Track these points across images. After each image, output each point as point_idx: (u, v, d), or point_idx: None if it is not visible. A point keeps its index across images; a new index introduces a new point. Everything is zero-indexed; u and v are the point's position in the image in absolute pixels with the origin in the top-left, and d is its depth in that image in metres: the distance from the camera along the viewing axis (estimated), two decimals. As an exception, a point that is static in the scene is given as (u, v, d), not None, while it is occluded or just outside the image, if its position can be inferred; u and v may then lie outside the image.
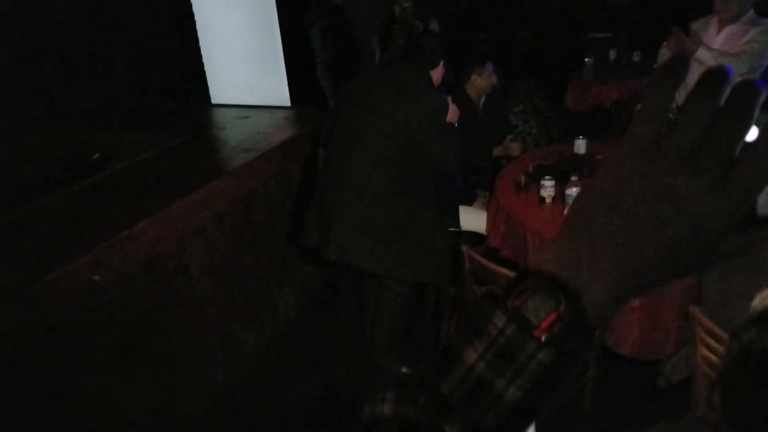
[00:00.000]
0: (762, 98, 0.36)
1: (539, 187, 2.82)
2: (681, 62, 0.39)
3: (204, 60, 4.87)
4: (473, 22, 6.98)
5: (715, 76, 0.37)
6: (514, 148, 3.62)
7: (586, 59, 4.77)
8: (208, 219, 2.77)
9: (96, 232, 2.26)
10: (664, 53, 3.55)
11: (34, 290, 1.90)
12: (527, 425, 0.42)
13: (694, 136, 0.36)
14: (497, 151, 3.65)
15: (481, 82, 3.65)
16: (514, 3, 7.30)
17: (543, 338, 0.38)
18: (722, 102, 0.36)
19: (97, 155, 3.41)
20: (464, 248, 2.45)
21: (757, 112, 0.36)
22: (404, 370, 3.02)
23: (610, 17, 5.71)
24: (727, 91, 0.37)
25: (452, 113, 2.76)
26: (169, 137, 3.38)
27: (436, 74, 2.74)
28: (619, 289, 0.39)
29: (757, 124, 0.37)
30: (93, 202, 2.69)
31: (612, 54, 5.11)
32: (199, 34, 4.81)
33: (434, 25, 4.10)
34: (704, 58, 3.18)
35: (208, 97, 4.85)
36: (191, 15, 4.76)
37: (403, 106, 2.55)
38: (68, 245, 2.17)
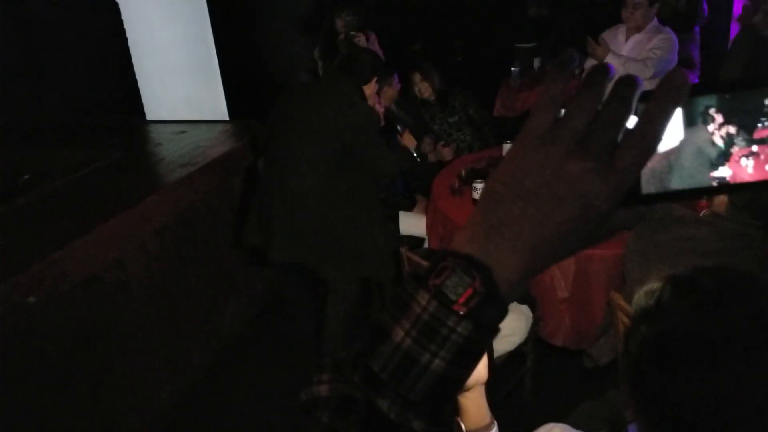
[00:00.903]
0: (639, 91, 0.42)
1: (472, 189, 2.94)
2: (569, 55, 0.45)
3: (137, 75, 4.80)
4: (409, 32, 7.15)
5: (600, 73, 0.42)
6: (447, 152, 3.75)
7: (513, 68, 4.98)
8: (147, 234, 2.75)
9: (28, 253, 2.22)
10: (590, 64, 3.78)
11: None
12: (453, 394, 0.46)
13: (582, 123, 0.41)
14: (431, 157, 3.77)
15: (392, 92, 3.68)
16: (448, 16, 7.53)
17: (462, 312, 0.42)
18: (606, 94, 0.42)
19: (26, 176, 3.32)
20: (403, 250, 2.53)
21: (635, 102, 0.42)
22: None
23: (534, 28, 5.99)
24: (610, 85, 0.43)
25: (409, 141, 3.02)
26: (102, 154, 3.33)
27: (369, 89, 2.81)
28: (526, 263, 0.43)
29: (636, 113, 0.42)
30: (25, 222, 2.63)
31: (536, 62, 5.34)
32: (131, 49, 4.74)
33: (373, 38, 4.20)
34: (613, 64, 3.41)
35: (143, 113, 4.78)
36: (122, 30, 4.69)
37: (337, 114, 2.64)
38: (1, 266, 2.12)
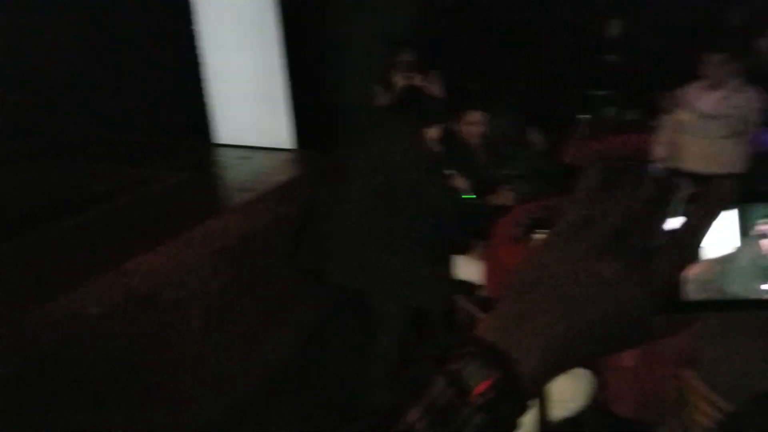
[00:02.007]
0: (684, 193, 0.41)
1: (536, 239, 2.84)
2: (611, 154, 0.45)
3: (210, 100, 4.96)
4: (467, 72, 7.13)
5: (637, 173, 0.43)
6: (508, 197, 3.64)
7: (581, 116, 4.87)
8: (206, 256, 2.78)
9: (93, 265, 2.27)
10: (665, 119, 3.65)
11: (30, 320, 1.90)
12: None
13: (620, 221, 0.41)
14: (492, 200, 3.65)
15: (474, 121, 3.64)
16: (510, 55, 7.46)
17: (477, 403, 0.41)
18: (644, 195, 0.42)
19: (100, 189, 3.44)
20: (458, 298, 2.46)
21: (676, 205, 0.41)
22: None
23: (605, 75, 5.85)
24: (649, 186, 0.42)
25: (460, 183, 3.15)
26: (169, 174, 3.41)
27: (431, 133, 2.90)
28: (551, 360, 0.41)
29: (678, 214, 0.41)
30: (92, 235, 2.70)
31: (609, 110, 5.21)
32: (207, 75, 4.91)
33: (434, 77, 4.19)
34: (686, 120, 3.28)
35: (213, 137, 4.92)
36: (196, 55, 4.87)
37: (398, 154, 2.77)
38: (65, 277, 2.17)
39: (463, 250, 3.45)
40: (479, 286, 3.25)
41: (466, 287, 3.34)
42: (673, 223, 0.40)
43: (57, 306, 1.99)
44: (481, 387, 0.41)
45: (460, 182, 3.11)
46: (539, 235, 2.85)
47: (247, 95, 4.84)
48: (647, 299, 0.40)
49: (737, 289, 0.42)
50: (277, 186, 3.35)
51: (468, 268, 3.36)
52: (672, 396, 2.22)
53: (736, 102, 3.31)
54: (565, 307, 0.41)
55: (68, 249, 2.51)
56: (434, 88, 4.49)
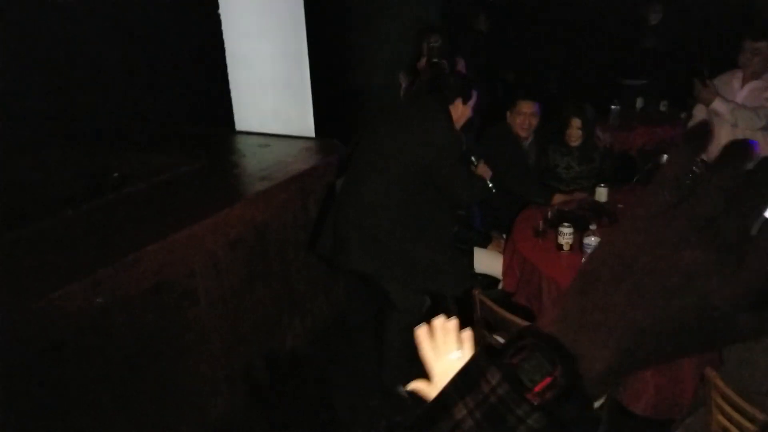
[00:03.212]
0: None
1: (557, 233, 2.75)
2: (704, 128, 0.38)
3: (231, 87, 4.93)
4: (502, 63, 6.99)
5: (740, 147, 0.36)
6: (577, 196, 3.47)
7: (613, 106, 4.73)
8: (220, 245, 2.74)
9: (103, 254, 2.24)
10: (698, 109, 3.52)
11: (36, 308, 1.88)
12: None
13: (709, 207, 0.36)
14: (558, 198, 3.47)
15: (527, 107, 3.51)
16: (545, 44, 7.30)
17: (535, 402, 0.36)
18: (743, 175, 0.36)
19: (116, 174, 3.43)
20: (476, 292, 2.38)
21: None
22: (401, 390, 3.01)
23: (641, 64, 5.67)
24: (749, 164, 0.36)
25: (484, 171, 2.97)
26: (187, 161, 3.39)
27: (456, 112, 2.82)
28: (620, 358, 0.37)
29: None
30: (107, 221, 2.68)
31: (639, 102, 5.06)
32: (228, 61, 4.87)
33: (461, 65, 4.10)
34: (720, 110, 3.18)
35: (233, 124, 4.89)
36: (221, 42, 4.83)
37: (419, 136, 2.70)
38: (74, 265, 2.15)
39: (485, 242, 3.37)
40: (499, 280, 3.18)
41: (486, 281, 3.27)
42: None
43: (62, 295, 1.97)
44: (541, 385, 0.37)
45: (483, 170, 2.98)
46: (564, 229, 2.75)
47: (270, 82, 4.79)
48: (739, 294, 0.35)
49: None
50: (297, 174, 3.30)
51: (487, 261, 3.28)
52: (693, 396, 2.13)
53: None
54: (643, 298, 0.36)
55: (79, 236, 2.49)
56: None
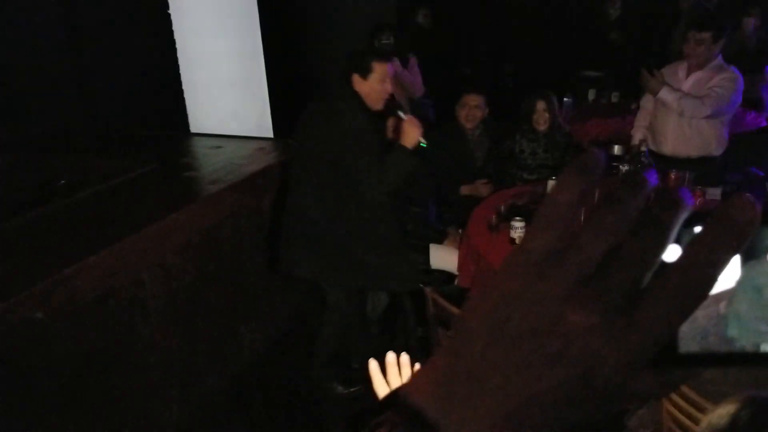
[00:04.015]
0: (684, 213, 0.29)
1: (510, 227, 2.76)
2: (595, 160, 0.32)
3: (185, 87, 4.83)
4: (459, 57, 7.01)
5: (633, 184, 0.30)
6: (485, 189, 3.58)
7: (566, 98, 4.78)
8: (169, 252, 2.69)
9: (45, 265, 2.17)
10: (646, 99, 3.59)
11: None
12: None
13: (597, 254, 0.30)
14: (465, 190, 3.60)
15: (472, 100, 3.60)
16: (500, 38, 7.35)
17: None
18: (636, 214, 0.30)
19: (63, 181, 3.33)
20: (427, 290, 2.37)
21: (675, 232, 0.29)
22: (339, 389, 3.06)
23: (598, 57, 5.75)
24: (643, 200, 0.30)
25: (410, 135, 2.58)
26: (134, 165, 3.30)
27: (362, 90, 2.59)
28: None
29: (678, 242, 0.29)
30: (51, 230, 2.60)
31: (591, 94, 5.13)
32: (179, 60, 4.77)
33: (413, 62, 4.10)
34: (667, 99, 3.24)
35: (188, 126, 4.79)
36: (172, 41, 4.73)
37: (327, 129, 2.58)
38: (15, 278, 2.08)
39: (440, 238, 3.37)
40: (455, 276, 3.18)
41: (443, 277, 3.28)
42: (672, 253, 0.29)
43: (1, 311, 1.90)
44: None
45: (411, 123, 2.61)
46: (516, 223, 2.76)
47: (225, 82, 4.72)
48: (630, 362, 0.29)
49: (744, 336, 0.30)
50: (249, 176, 3.25)
51: (443, 257, 3.29)
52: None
53: (716, 81, 3.24)
54: (519, 366, 0.31)
55: (21, 248, 2.41)
56: (415, 72, 4.39)
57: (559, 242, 0.31)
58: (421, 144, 2.60)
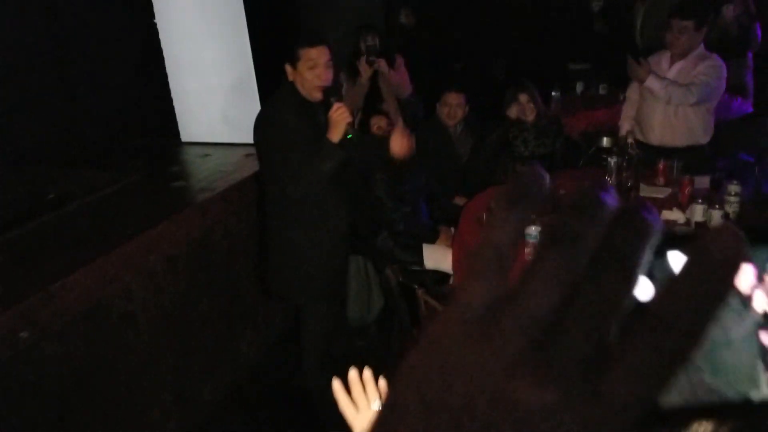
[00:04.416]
0: (654, 239, 0.24)
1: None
2: (532, 182, 0.27)
3: (174, 95, 4.81)
4: (446, 54, 7.00)
5: (587, 206, 0.24)
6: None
7: (554, 93, 4.77)
8: (158, 262, 2.67)
9: (32, 281, 2.15)
10: (632, 90, 3.59)
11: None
12: None
13: (543, 308, 0.24)
14: (460, 201, 3.58)
15: (453, 99, 3.67)
16: (490, 33, 7.34)
17: None
18: (593, 250, 0.24)
19: (51, 195, 3.31)
20: (419, 292, 2.37)
21: (643, 266, 0.23)
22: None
23: (585, 49, 5.75)
24: (601, 229, 0.24)
25: (336, 127, 2.41)
26: (122, 176, 3.29)
27: (298, 81, 2.46)
28: None
29: (651, 277, 0.24)
30: (39, 245, 2.58)
31: (579, 86, 5.12)
32: (167, 69, 4.75)
33: (399, 61, 4.10)
34: (654, 87, 3.24)
35: (178, 134, 4.77)
36: (159, 49, 4.70)
37: (263, 129, 2.52)
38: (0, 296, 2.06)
39: (433, 237, 3.36)
40: (449, 276, 3.17)
41: (437, 276, 3.27)
42: (645, 290, 0.23)
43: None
44: None
45: (339, 110, 2.41)
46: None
47: (215, 89, 4.69)
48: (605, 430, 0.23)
49: (724, 385, 0.26)
50: (237, 183, 3.24)
51: (437, 257, 3.27)
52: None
53: (700, 70, 3.24)
54: None
55: (9, 263, 2.39)
56: (402, 72, 4.38)
57: (498, 294, 0.25)
58: (348, 136, 2.42)
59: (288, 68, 2.47)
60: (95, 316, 2.35)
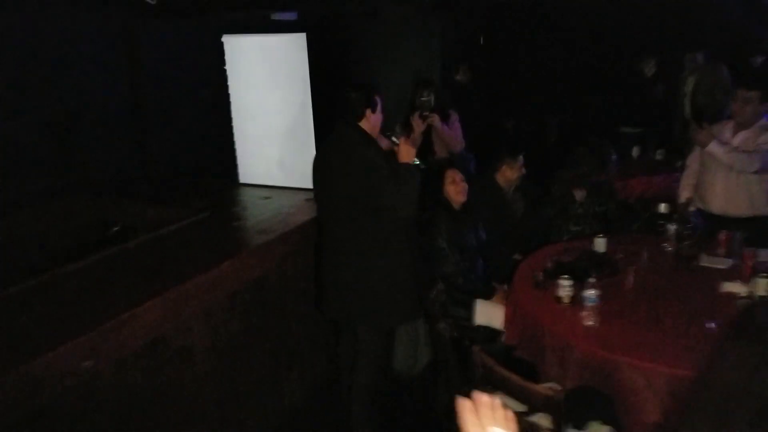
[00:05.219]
0: None
1: (556, 286, 2.72)
2: None
3: (236, 138, 4.99)
4: (500, 110, 7.09)
5: None
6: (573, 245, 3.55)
7: (612, 155, 4.75)
8: (217, 300, 2.73)
9: (98, 312, 2.23)
10: (692, 158, 3.58)
11: (22, 373, 1.86)
12: None
13: None
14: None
15: (511, 173, 3.74)
16: (544, 92, 7.41)
17: None
18: None
19: (116, 227, 3.46)
20: (476, 349, 2.35)
21: None
22: None
23: (638, 113, 5.74)
24: None
25: (405, 154, 2.78)
26: (186, 213, 3.41)
27: (368, 124, 2.83)
28: None
29: None
30: (104, 276, 2.68)
31: (635, 150, 5.10)
32: (233, 114, 4.95)
33: (454, 117, 4.17)
34: (716, 152, 3.23)
35: (237, 176, 4.93)
36: (227, 94, 4.92)
37: (348, 166, 2.72)
38: (67, 326, 2.14)
39: (486, 293, 3.34)
40: (498, 333, 3.13)
41: (486, 332, 3.23)
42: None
43: (52, 359, 1.95)
44: None
45: (405, 146, 2.82)
46: (563, 281, 2.72)
47: (274, 134, 4.85)
48: None
49: None
50: (297, 227, 3.31)
51: (489, 313, 3.25)
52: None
53: (764, 139, 3.22)
54: None
55: (75, 293, 2.49)
56: (455, 128, 4.46)
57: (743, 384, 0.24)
58: (416, 162, 2.81)
59: (368, 113, 2.83)
60: (155, 348, 2.41)
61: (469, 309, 3.23)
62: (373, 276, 2.81)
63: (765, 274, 2.63)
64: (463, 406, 0.97)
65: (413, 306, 2.94)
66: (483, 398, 0.98)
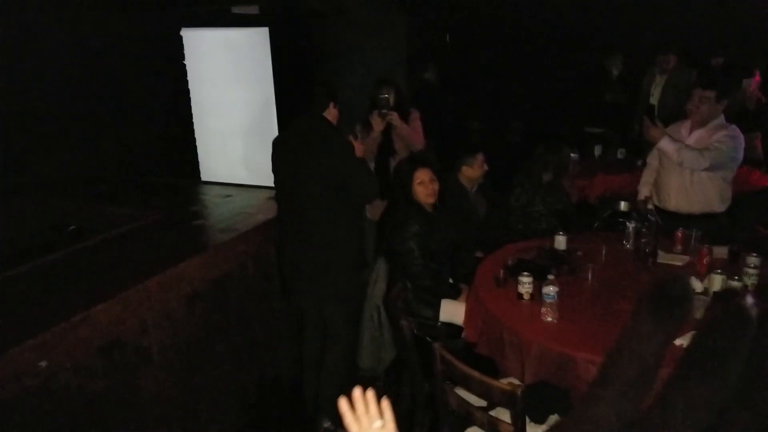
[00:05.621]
0: None
1: (517, 283, 2.75)
2: (685, 296, 0.27)
3: (197, 136, 4.91)
4: (467, 110, 7.14)
5: (737, 317, 0.23)
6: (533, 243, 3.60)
7: (572, 154, 4.83)
8: (176, 300, 2.68)
9: (52, 313, 2.17)
10: (652, 157, 3.65)
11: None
12: None
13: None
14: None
15: (472, 172, 3.77)
16: (509, 92, 7.49)
17: None
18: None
19: (72, 227, 3.36)
20: (436, 345, 2.35)
21: None
22: (327, 425, 3.13)
23: (601, 113, 5.85)
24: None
25: (359, 149, 3.09)
26: (146, 213, 3.34)
27: (330, 116, 3.06)
28: None
29: None
30: (59, 277, 2.61)
31: (597, 150, 5.19)
32: (193, 110, 4.86)
33: (415, 115, 4.17)
34: (667, 149, 3.28)
35: (199, 174, 4.84)
36: (187, 91, 4.83)
37: (325, 149, 2.91)
38: (19, 326, 2.07)
39: (454, 294, 3.34)
40: (461, 328, 3.15)
41: (449, 329, 3.24)
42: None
43: (5, 359, 1.89)
44: None
45: (358, 147, 3.10)
46: (523, 278, 2.75)
47: (237, 131, 4.79)
48: None
49: None
50: (258, 225, 3.27)
51: (452, 311, 3.26)
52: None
53: (716, 138, 3.29)
54: None
55: (30, 294, 2.42)
56: (416, 126, 4.46)
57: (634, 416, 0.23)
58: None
59: (331, 106, 3.06)
60: (111, 349, 2.35)
61: (436, 309, 3.23)
62: (339, 256, 2.99)
63: (720, 271, 2.70)
64: (342, 405, 1.02)
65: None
66: (356, 394, 1.03)
